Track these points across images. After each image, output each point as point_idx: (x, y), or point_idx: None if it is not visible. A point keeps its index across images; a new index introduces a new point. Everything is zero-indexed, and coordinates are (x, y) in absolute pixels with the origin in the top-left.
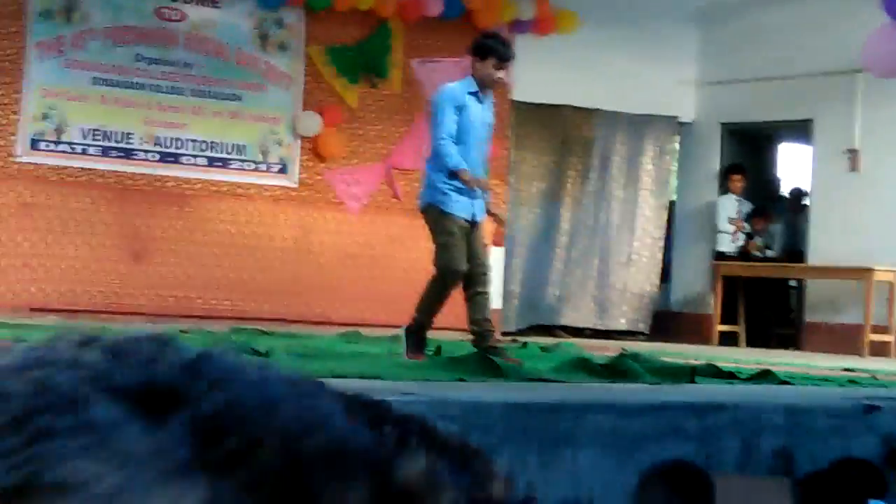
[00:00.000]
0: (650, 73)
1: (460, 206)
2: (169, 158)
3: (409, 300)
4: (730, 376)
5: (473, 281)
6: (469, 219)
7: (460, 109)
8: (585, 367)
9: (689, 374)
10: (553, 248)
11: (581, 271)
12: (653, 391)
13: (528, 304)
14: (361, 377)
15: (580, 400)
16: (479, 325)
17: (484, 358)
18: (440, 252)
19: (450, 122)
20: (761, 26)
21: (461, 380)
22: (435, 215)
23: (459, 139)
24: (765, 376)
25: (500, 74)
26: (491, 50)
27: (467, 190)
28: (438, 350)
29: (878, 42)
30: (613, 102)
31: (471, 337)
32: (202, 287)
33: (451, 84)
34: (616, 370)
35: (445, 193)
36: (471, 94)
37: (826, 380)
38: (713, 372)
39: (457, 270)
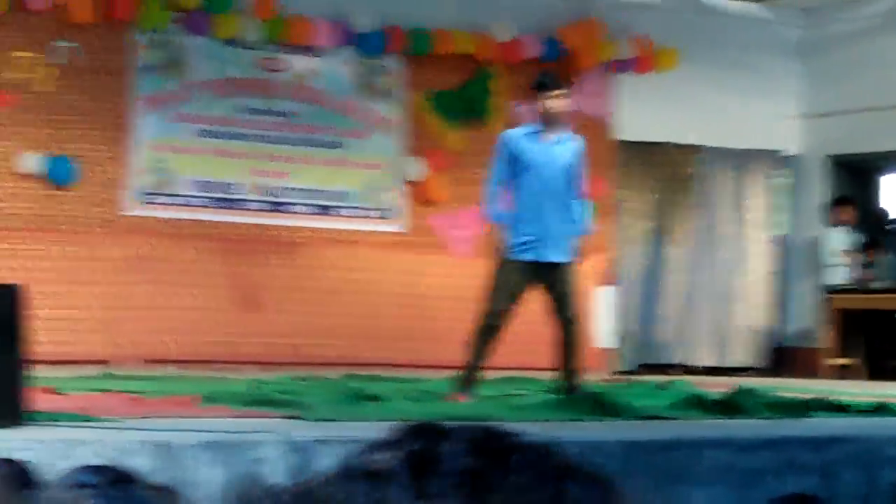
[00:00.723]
0: (753, 108)
1: (520, 250)
2: (276, 207)
3: (518, 342)
4: (842, 409)
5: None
6: (536, 260)
7: (517, 154)
8: (700, 404)
9: (804, 408)
10: (664, 286)
11: (693, 308)
12: (769, 426)
13: (642, 342)
14: (479, 419)
15: (696, 436)
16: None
17: (599, 397)
18: (488, 294)
19: (498, 169)
20: (863, 56)
21: (578, 419)
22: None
23: (524, 184)
24: (880, 409)
25: (555, 105)
26: (535, 86)
27: (533, 231)
28: (556, 390)
29: None
30: (717, 138)
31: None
32: (313, 334)
33: (509, 130)
34: (730, 406)
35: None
36: (529, 135)
37: None
38: (827, 406)
39: (491, 313)
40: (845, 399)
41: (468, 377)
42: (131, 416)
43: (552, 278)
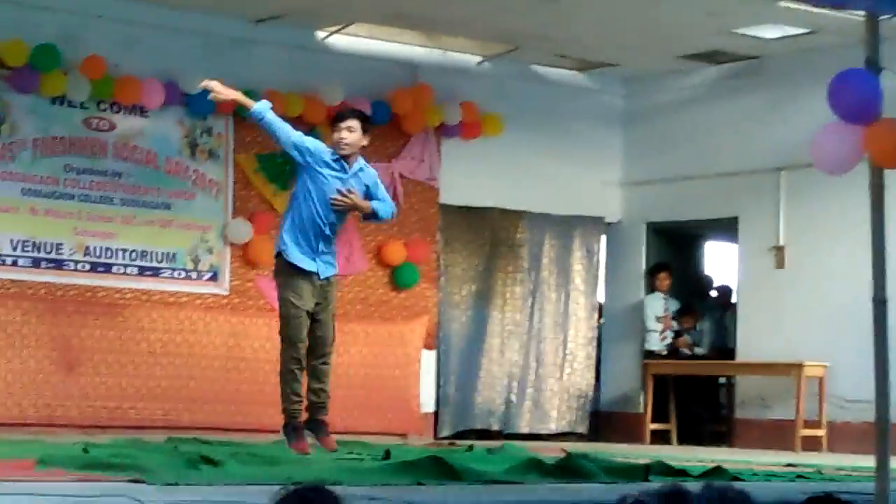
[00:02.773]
0: (577, 174)
1: None
2: (100, 268)
3: (349, 404)
4: (682, 473)
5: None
6: None
7: (311, 154)
8: (538, 468)
9: (644, 472)
10: (486, 351)
11: (514, 373)
12: (610, 490)
13: (463, 407)
14: (324, 483)
15: (540, 500)
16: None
17: (438, 461)
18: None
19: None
20: (681, 126)
21: (420, 483)
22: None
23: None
24: (717, 473)
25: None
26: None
27: None
28: (388, 454)
29: (826, 139)
30: (540, 204)
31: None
32: (135, 397)
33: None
34: (569, 470)
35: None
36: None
37: (774, 475)
38: (665, 470)
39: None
40: (676, 464)
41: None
42: None
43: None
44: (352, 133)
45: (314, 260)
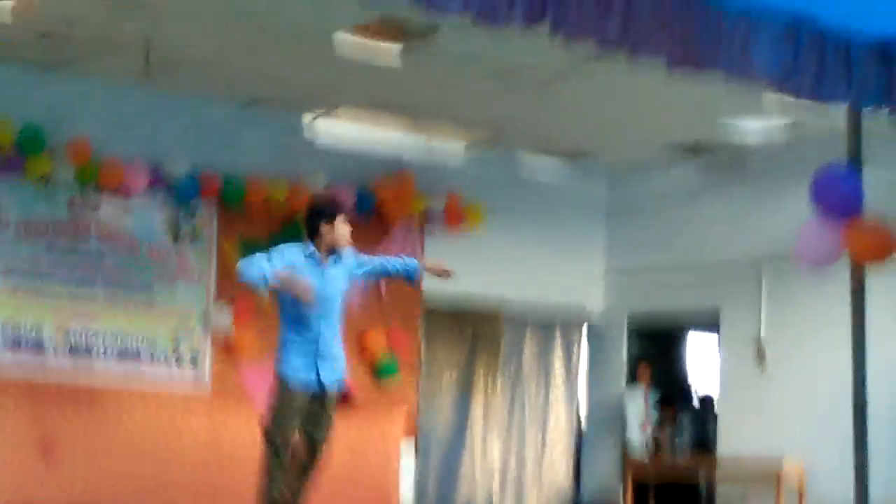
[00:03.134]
0: (559, 265)
1: None
2: (80, 350)
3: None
4: None
5: None
6: None
7: (289, 262)
8: None
9: None
10: (466, 446)
11: (494, 466)
12: None
13: (440, 499)
14: None
15: None
16: None
17: None
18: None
19: (262, 256)
20: (668, 218)
21: None
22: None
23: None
24: None
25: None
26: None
27: None
28: None
29: (808, 235)
30: (523, 295)
31: None
32: (112, 491)
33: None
34: None
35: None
36: (310, 257)
37: None
38: None
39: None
40: None
41: None
42: None
43: None
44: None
45: None
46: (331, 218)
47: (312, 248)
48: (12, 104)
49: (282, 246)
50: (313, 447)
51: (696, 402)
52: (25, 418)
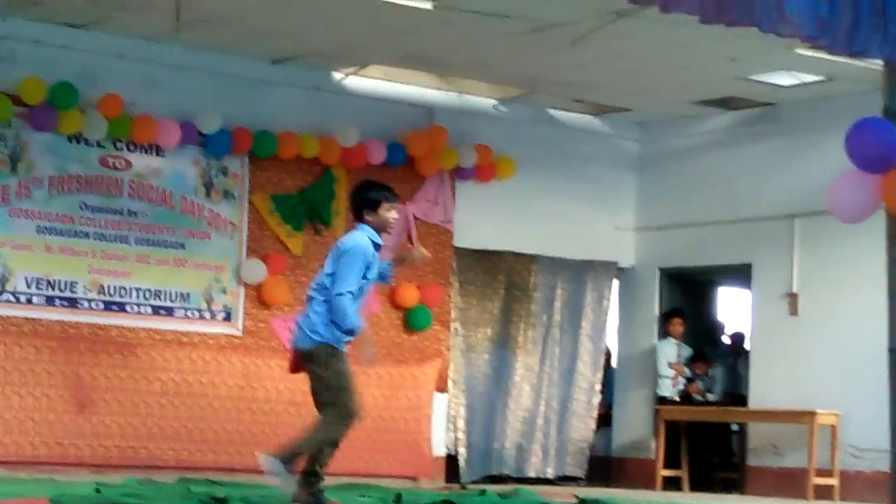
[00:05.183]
0: (590, 219)
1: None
2: (113, 307)
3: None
4: None
5: None
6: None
7: (369, 266)
8: None
9: None
10: (498, 395)
11: (526, 418)
12: None
13: (479, 452)
14: None
15: None
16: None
17: None
18: (343, 393)
19: (357, 278)
20: (695, 172)
21: None
22: (328, 354)
23: (360, 292)
24: None
25: (393, 216)
26: (376, 198)
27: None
28: (399, 498)
29: (842, 187)
30: (554, 248)
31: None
32: (147, 437)
33: (362, 236)
34: None
35: (337, 335)
36: (375, 245)
37: None
38: None
39: (358, 412)
40: None
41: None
42: None
43: None
44: None
45: None
46: (395, 199)
47: (377, 236)
48: (45, 61)
49: (360, 249)
50: None
51: (727, 356)
52: (60, 371)
